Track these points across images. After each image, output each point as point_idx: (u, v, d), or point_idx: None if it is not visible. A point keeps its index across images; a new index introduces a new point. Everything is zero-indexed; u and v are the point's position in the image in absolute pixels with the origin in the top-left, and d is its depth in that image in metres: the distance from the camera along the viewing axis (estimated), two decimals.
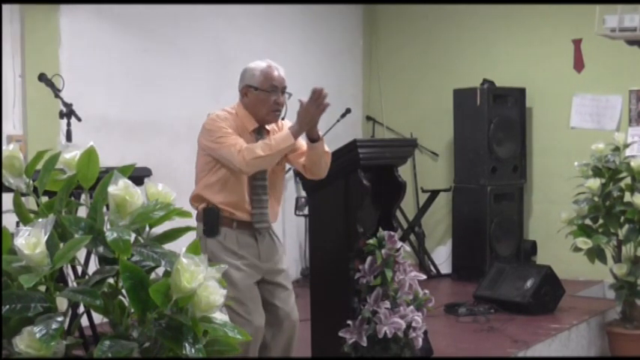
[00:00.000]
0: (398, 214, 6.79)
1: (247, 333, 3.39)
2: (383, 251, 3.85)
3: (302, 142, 3.59)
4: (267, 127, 3.65)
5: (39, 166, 2.21)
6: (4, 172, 2.15)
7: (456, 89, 7.14)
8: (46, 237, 1.91)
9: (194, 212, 3.62)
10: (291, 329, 3.69)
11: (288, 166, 3.85)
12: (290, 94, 3.62)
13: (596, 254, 5.29)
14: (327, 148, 3.59)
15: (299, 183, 6.48)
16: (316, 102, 3.41)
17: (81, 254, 2.26)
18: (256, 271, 3.60)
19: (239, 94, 3.64)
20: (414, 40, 7.88)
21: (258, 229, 3.61)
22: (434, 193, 7.16)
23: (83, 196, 2.17)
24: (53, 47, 5.30)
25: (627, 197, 5.32)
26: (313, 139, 3.51)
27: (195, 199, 3.62)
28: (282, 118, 3.66)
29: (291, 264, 6.86)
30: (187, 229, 2.16)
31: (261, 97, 3.56)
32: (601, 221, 5.38)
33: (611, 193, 5.31)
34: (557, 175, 6.85)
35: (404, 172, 5.76)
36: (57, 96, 4.21)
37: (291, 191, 6.87)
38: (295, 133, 3.45)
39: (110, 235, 1.95)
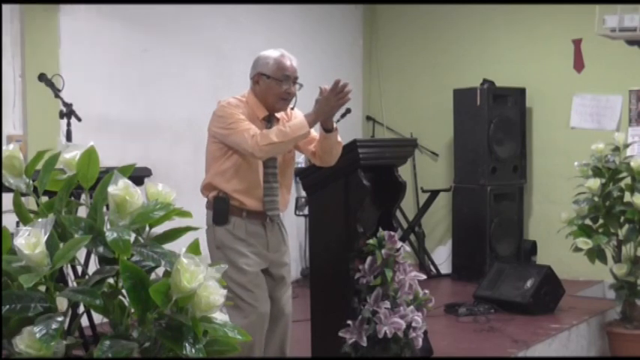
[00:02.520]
0: (398, 214, 6.80)
1: (253, 320, 3.45)
2: (383, 251, 3.85)
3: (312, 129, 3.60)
4: (277, 115, 3.65)
5: (39, 166, 2.21)
6: (4, 172, 2.15)
7: (456, 89, 7.14)
8: (46, 237, 1.91)
9: (204, 200, 3.63)
10: (285, 324, 3.71)
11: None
12: (301, 85, 3.62)
13: (596, 254, 5.28)
14: (339, 139, 3.60)
15: (299, 183, 6.48)
16: (338, 94, 3.42)
17: (81, 254, 2.25)
18: (263, 260, 3.62)
19: (250, 82, 3.64)
20: (414, 40, 7.88)
21: (270, 217, 3.62)
22: (434, 193, 7.16)
23: (83, 196, 2.17)
24: (53, 47, 5.30)
25: (627, 197, 5.32)
26: (328, 129, 3.51)
27: (207, 187, 3.62)
28: (292, 108, 3.66)
29: (291, 264, 6.85)
30: (187, 229, 2.16)
31: (272, 86, 3.56)
32: (601, 221, 5.38)
33: (611, 193, 5.30)
34: (557, 175, 6.86)
35: (404, 172, 5.76)
36: (57, 96, 4.21)
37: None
38: (311, 121, 3.45)
39: (110, 235, 1.95)
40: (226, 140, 3.52)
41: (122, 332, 1.97)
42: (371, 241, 3.91)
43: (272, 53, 3.61)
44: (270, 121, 3.62)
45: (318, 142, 3.60)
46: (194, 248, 2.02)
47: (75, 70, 5.29)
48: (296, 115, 3.65)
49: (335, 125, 3.54)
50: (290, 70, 3.58)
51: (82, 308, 2.36)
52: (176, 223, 2.15)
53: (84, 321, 3.49)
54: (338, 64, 7.69)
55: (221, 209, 3.55)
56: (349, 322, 3.83)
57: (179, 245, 2.05)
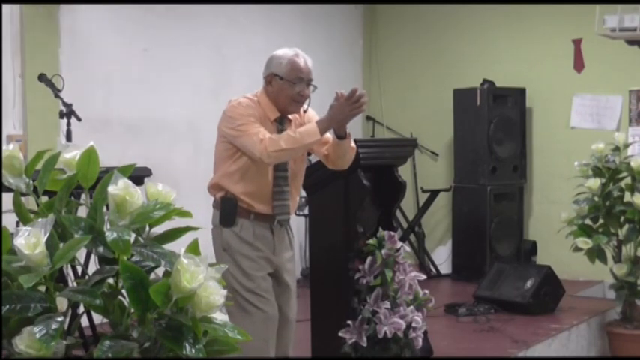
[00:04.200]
0: (398, 214, 6.79)
1: (262, 324, 3.43)
2: (383, 251, 3.85)
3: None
4: (290, 117, 3.58)
5: (39, 166, 2.20)
6: (4, 172, 2.15)
7: (456, 89, 7.15)
8: (46, 237, 1.90)
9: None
10: (289, 330, 3.68)
11: None
12: (315, 87, 3.54)
13: (596, 254, 5.28)
14: (353, 144, 3.55)
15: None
16: (353, 104, 3.35)
17: (81, 254, 2.25)
18: (269, 265, 3.57)
19: (263, 81, 3.56)
20: (414, 40, 7.88)
21: (279, 222, 3.57)
22: (434, 193, 7.16)
23: (83, 196, 2.17)
24: (53, 47, 5.30)
25: (627, 197, 5.32)
26: (341, 136, 3.45)
27: (214, 187, 3.57)
28: (305, 111, 3.59)
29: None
30: (187, 229, 2.16)
31: (284, 87, 3.48)
32: (601, 221, 5.38)
33: (611, 193, 5.30)
34: (557, 175, 6.86)
35: (404, 172, 5.76)
36: (57, 96, 4.21)
37: None
38: (323, 129, 3.36)
39: (110, 235, 1.94)
40: (235, 142, 3.45)
41: (122, 332, 1.97)
42: (371, 241, 3.91)
43: (286, 53, 3.54)
44: (282, 122, 3.55)
45: (331, 147, 3.53)
46: (193, 248, 2.02)
47: (75, 70, 5.30)
48: (310, 117, 3.58)
49: (348, 132, 3.47)
50: (304, 72, 3.50)
51: (82, 308, 2.35)
52: (176, 223, 2.15)
53: (84, 321, 3.49)
54: (338, 64, 7.68)
55: (228, 211, 3.50)
56: (349, 322, 3.84)
57: (179, 245, 2.05)
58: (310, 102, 3.58)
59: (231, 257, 3.48)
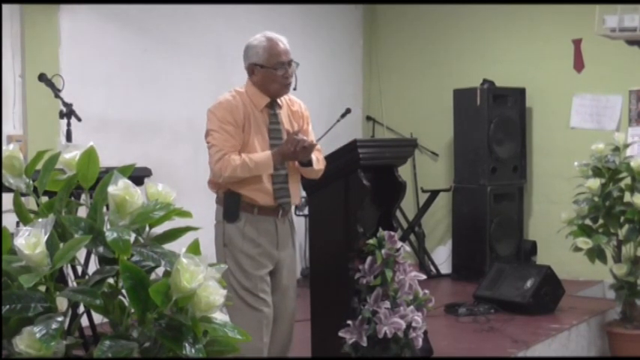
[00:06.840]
0: (398, 214, 6.79)
1: (257, 324, 3.45)
2: (383, 251, 3.85)
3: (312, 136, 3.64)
4: (280, 102, 3.63)
5: (39, 166, 2.21)
6: (4, 172, 2.15)
7: (456, 89, 7.15)
8: (46, 237, 1.91)
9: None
10: (287, 328, 3.70)
11: None
12: (297, 64, 3.59)
13: (596, 254, 5.28)
14: (319, 167, 3.64)
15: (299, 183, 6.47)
16: (294, 146, 3.44)
17: (81, 254, 2.25)
18: (270, 261, 3.60)
19: (246, 72, 3.63)
20: (414, 40, 7.88)
21: (282, 206, 3.60)
22: (434, 193, 7.16)
23: (83, 196, 2.17)
24: (53, 47, 5.30)
25: (627, 197, 5.32)
26: (303, 164, 3.57)
27: (213, 184, 3.61)
28: (295, 88, 3.63)
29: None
30: (187, 229, 2.16)
31: (268, 74, 3.54)
32: (601, 221, 5.37)
33: (611, 193, 5.30)
34: (557, 175, 6.86)
35: (404, 172, 5.75)
36: (57, 96, 4.21)
37: None
38: (276, 162, 3.49)
39: (110, 235, 1.95)
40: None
41: (122, 332, 1.97)
42: (371, 241, 3.91)
43: (261, 41, 3.58)
44: (273, 107, 3.61)
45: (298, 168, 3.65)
46: (194, 248, 2.02)
47: (75, 70, 5.30)
48: (300, 107, 3.65)
49: (313, 159, 3.57)
50: (283, 55, 3.55)
51: (82, 308, 2.36)
52: (176, 223, 2.15)
53: (84, 321, 3.49)
54: (338, 64, 7.69)
55: (232, 206, 3.53)
56: (349, 322, 3.84)
57: (179, 245, 2.05)
58: (297, 79, 3.61)
59: (232, 254, 3.50)
